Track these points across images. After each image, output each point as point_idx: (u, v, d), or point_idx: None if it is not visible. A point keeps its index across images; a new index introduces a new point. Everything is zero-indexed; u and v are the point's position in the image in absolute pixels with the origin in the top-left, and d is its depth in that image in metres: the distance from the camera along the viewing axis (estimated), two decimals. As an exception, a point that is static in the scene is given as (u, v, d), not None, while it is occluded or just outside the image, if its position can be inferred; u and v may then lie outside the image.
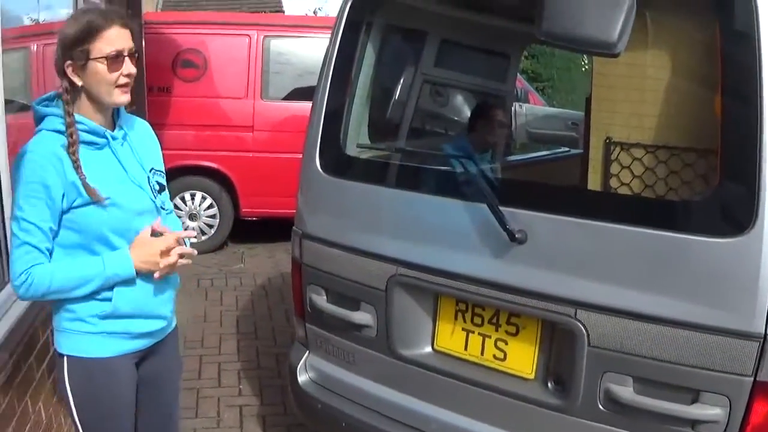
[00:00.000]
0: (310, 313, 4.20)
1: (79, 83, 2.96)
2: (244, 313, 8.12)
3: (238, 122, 10.21)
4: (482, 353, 3.61)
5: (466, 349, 3.66)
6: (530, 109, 9.01)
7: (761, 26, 2.85)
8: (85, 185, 2.93)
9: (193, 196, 10.31)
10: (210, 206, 10.37)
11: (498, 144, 5.09)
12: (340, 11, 4.12)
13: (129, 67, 2.99)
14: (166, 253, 3.09)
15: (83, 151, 2.97)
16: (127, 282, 3.07)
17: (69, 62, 2.93)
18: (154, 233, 3.12)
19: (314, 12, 34.65)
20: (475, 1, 4.15)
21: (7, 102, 4.42)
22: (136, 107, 7.87)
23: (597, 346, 3.16)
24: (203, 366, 6.66)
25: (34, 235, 2.91)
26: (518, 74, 7.18)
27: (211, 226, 10.43)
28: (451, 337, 3.71)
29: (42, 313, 4.53)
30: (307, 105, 4.24)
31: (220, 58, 10.29)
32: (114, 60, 2.94)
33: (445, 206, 3.61)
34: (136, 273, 3.06)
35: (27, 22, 5.57)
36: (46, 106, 3.03)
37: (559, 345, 3.40)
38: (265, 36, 10.37)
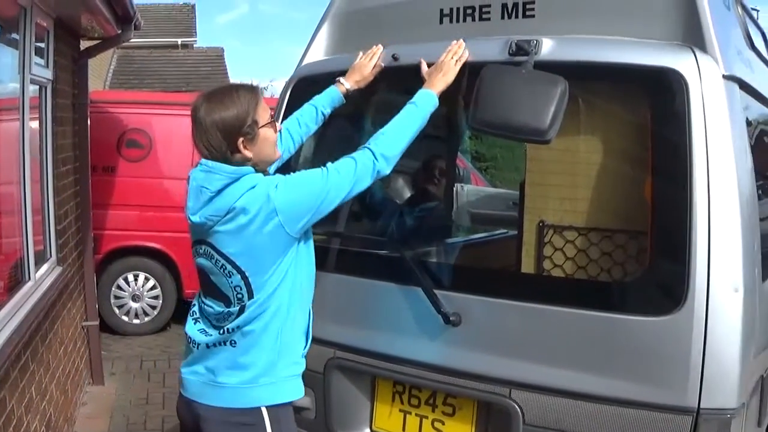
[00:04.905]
0: (250, 395, 4.16)
1: (250, 155, 3.13)
2: (187, 395, 7.99)
3: (182, 203, 10.06)
4: (420, 434, 3.63)
5: (403, 429, 3.67)
6: (471, 190, 9.07)
7: (692, 111, 2.95)
8: None
9: (136, 277, 10.22)
10: (153, 287, 10.28)
11: (437, 225, 5.12)
12: (281, 94, 4.19)
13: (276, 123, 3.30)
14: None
15: None
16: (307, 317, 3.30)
17: (242, 139, 3.07)
18: None
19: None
20: (411, 86, 4.20)
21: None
22: (79, 187, 7.80)
23: (532, 424, 3.20)
24: (145, 449, 6.57)
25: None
26: (460, 155, 7.26)
27: (154, 308, 10.33)
28: (389, 419, 3.72)
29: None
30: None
31: (165, 138, 10.25)
32: (273, 120, 3.24)
33: (382, 290, 3.66)
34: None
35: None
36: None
37: (495, 424, 3.43)
38: (210, 116, 10.32)
